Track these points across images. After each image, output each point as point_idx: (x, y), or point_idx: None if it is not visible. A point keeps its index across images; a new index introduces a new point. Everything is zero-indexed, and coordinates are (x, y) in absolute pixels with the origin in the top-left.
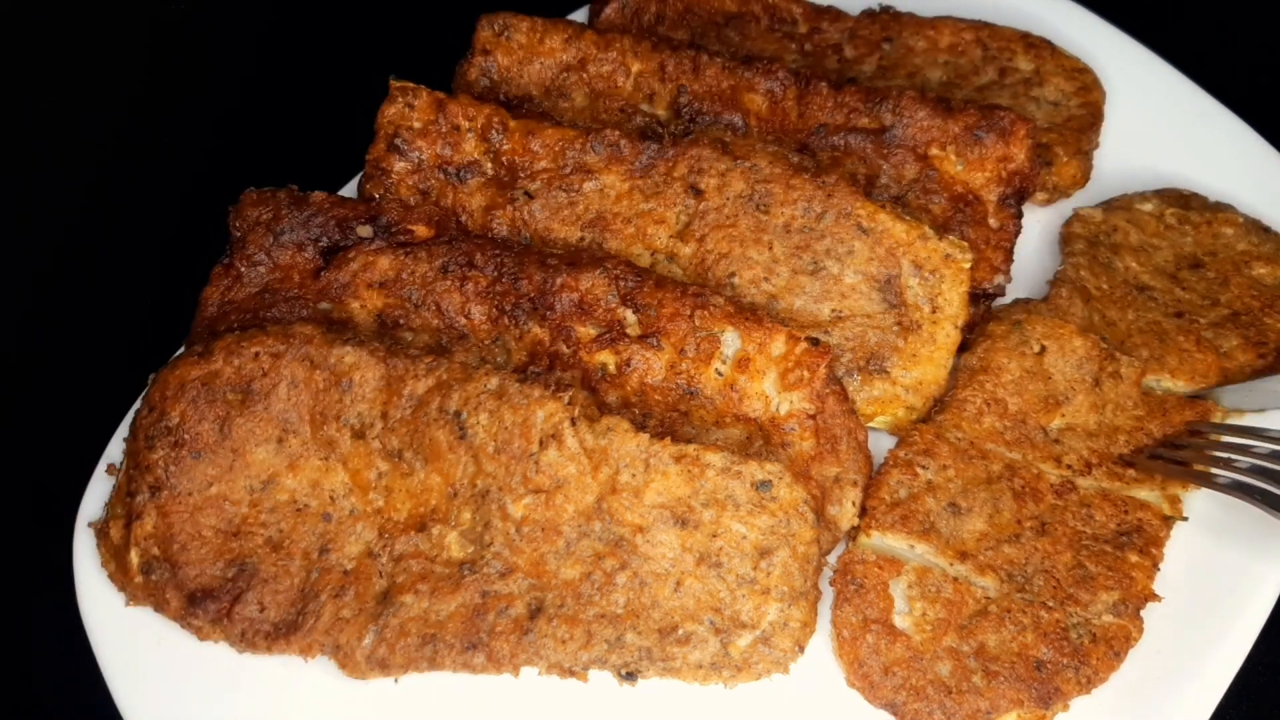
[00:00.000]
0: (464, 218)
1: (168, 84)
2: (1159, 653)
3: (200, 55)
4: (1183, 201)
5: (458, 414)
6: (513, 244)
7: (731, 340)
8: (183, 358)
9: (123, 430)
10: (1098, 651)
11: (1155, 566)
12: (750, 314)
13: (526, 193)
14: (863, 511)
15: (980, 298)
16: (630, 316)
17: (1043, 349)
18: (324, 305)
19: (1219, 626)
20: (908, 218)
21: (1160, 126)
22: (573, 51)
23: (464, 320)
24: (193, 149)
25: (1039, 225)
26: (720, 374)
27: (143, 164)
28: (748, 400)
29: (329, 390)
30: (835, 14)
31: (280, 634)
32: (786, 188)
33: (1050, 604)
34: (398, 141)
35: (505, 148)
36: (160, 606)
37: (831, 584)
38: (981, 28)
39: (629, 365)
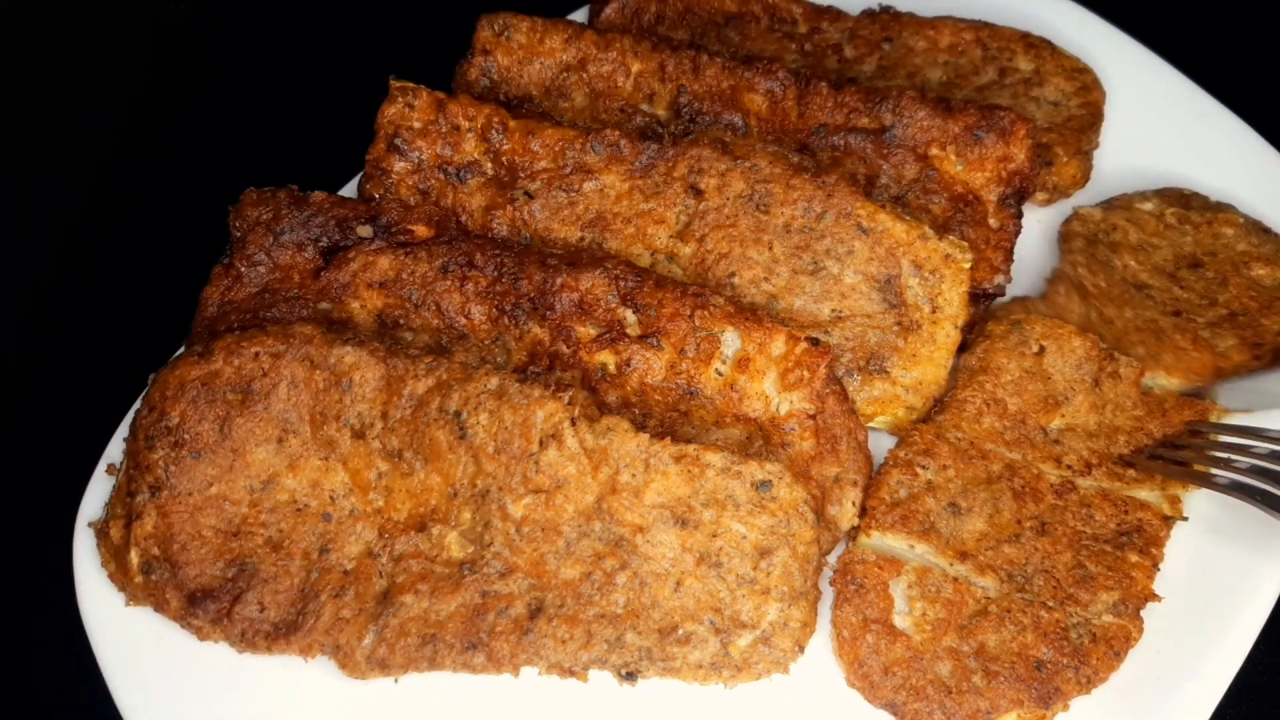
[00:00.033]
0: (464, 218)
1: (168, 84)
2: (1159, 653)
3: (200, 55)
4: (1183, 201)
5: (458, 414)
6: (513, 244)
7: (731, 340)
8: (183, 358)
9: (123, 430)
10: (1098, 651)
11: (1155, 566)
12: (750, 314)
13: (526, 193)
14: (863, 511)
15: (980, 298)
16: (630, 316)
17: (1042, 349)
18: (324, 305)
19: (1219, 626)
20: (908, 218)
21: (1160, 126)
22: (573, 51)
23: (464, 320)
24: (193, 149)
25: (1039, 225)
26: (720, 374)
27: (143, 164)
28: (748, 400)
29: (329, 390)
30: (835, 14)
31: (280, 634)
32: (786, 188)
33: (1050, 604)
34: (398, 141)
35: (505, 148)
36: (160, 606)
37: (831, 584)
38: (981, 28)
39: (629, 365)
